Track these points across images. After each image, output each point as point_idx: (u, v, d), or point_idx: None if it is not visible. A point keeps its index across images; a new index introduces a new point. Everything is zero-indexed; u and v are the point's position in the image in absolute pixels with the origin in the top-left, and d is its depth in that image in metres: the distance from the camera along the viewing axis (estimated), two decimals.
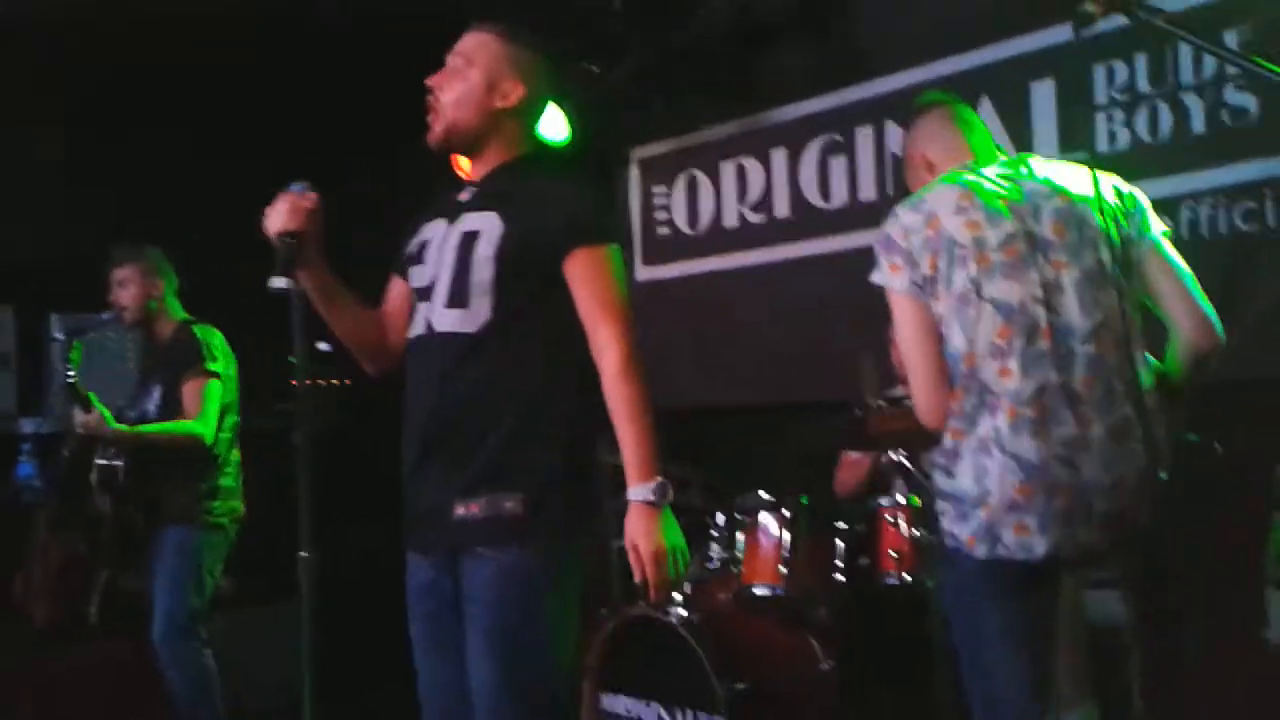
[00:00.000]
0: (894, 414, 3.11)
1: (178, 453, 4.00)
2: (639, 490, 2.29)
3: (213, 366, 4.07)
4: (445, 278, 2.43)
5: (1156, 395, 2.42)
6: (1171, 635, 3.55)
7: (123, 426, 3.98)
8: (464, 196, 2.54)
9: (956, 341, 2.39)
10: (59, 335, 5.01)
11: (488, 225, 2.41)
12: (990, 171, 2.52)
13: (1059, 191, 2.47)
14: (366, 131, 4.94)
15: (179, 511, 4.03)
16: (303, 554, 3.00)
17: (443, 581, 2.41)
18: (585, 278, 2.38)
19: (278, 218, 2.41)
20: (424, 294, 2.48)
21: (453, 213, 2.51)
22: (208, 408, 4.02)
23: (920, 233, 2.44)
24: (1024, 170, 2.52)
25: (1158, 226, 2.49)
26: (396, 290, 2.66)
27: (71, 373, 3.96)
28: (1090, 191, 2.42)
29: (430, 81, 2.53)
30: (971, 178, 2.50)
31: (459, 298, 2.40)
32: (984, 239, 2.39)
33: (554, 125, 5.21)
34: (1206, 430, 2.75)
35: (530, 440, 2.35)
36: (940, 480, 2.43)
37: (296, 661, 2.88)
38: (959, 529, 2.38)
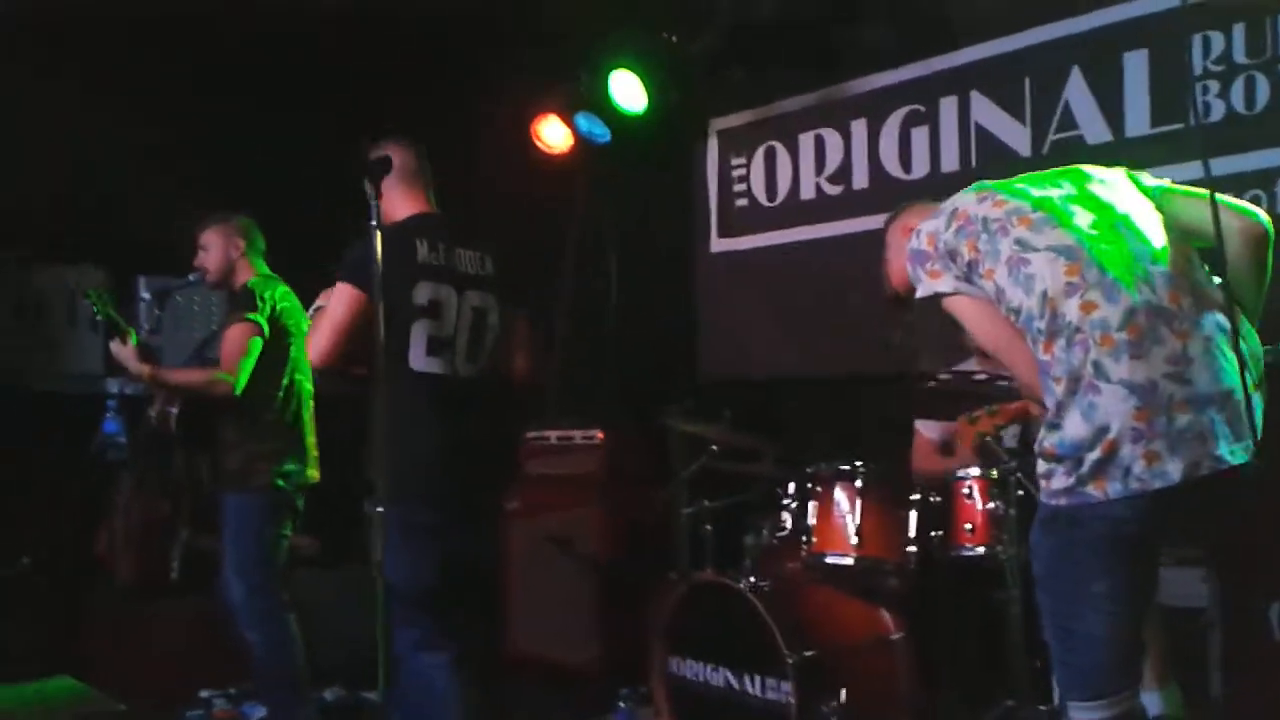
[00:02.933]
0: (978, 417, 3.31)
1: (201, 398, 3.93)
2: None
3: (254, 317, 3.92)
4: None
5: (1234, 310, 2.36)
6: (1254, 615, 3.47)
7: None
8: None
9: (1021, 299, 2.37)
10: (146, 296, 5.11)
11: None
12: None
13: (1073, 172, 2.53)
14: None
15: (231, 476, 3.97)
16: (378, 509, 3.05)
17: None
18: None
19: None
20: None
21: None
22: (239, 354, 3.87)
23: (948, 230, 2.48)
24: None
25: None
26: None
27: (100, 313, 4.04)
28: (1104, 173, 2.51)
29: None
30: (981, 184, 2.57)
31: None
32: (1018, 207, 2.44)
33: (632, 95, 5.19)
34: None
35: None
36: (1047, 437, 2.34)
37: (373, 620, 2.92)
38: (1074, 480, 2.29)
